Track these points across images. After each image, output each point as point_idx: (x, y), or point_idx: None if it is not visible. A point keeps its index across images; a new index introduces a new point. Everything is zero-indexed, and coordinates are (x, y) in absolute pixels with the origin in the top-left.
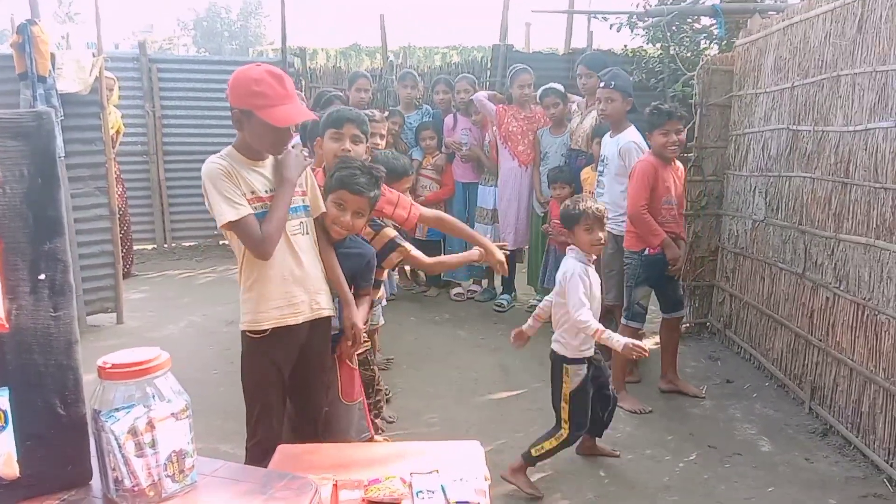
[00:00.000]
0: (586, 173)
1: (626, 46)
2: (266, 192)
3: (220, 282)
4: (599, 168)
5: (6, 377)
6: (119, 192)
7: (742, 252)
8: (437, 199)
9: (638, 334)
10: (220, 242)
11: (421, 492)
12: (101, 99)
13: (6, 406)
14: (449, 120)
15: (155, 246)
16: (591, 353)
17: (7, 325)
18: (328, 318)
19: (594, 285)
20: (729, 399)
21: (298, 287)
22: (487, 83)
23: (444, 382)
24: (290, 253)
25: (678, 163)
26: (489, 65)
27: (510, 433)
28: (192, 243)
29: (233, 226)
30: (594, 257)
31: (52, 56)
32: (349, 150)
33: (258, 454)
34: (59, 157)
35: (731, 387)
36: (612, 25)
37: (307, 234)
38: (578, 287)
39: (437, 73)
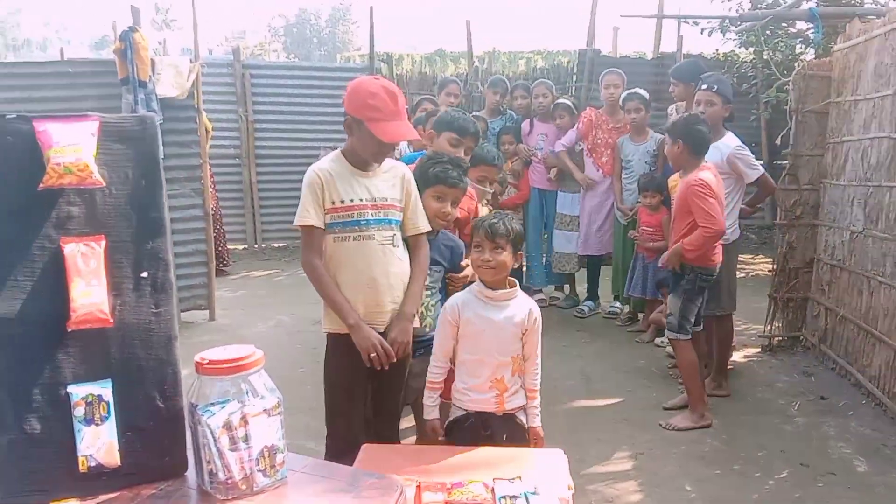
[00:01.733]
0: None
1: (717, 50)
2: (360, 200)
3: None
4: None
5: (110, 370)
6: (210, 193)
7: (839, 264)
8: (512, 204)
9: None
10: None
11: (504, 497)
12: (198, 104)
13: (109, 398)
14: (525, 125)
15: (246, 246)
16: None
17: (112, 320)
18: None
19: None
20: (823, 416)
21: (383, 296)
22: (573, 88)
23: None
24: (376, 262)
25: None
26: (574, 70)
27: (593, 442)
28: (281, 244)
29: (301, 229)
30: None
31: (152, 62)
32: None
33: (335, 451)
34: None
35: (824, 404)
36: (703, 30)
37: (397, 246)
38: None
39: (520, 79)
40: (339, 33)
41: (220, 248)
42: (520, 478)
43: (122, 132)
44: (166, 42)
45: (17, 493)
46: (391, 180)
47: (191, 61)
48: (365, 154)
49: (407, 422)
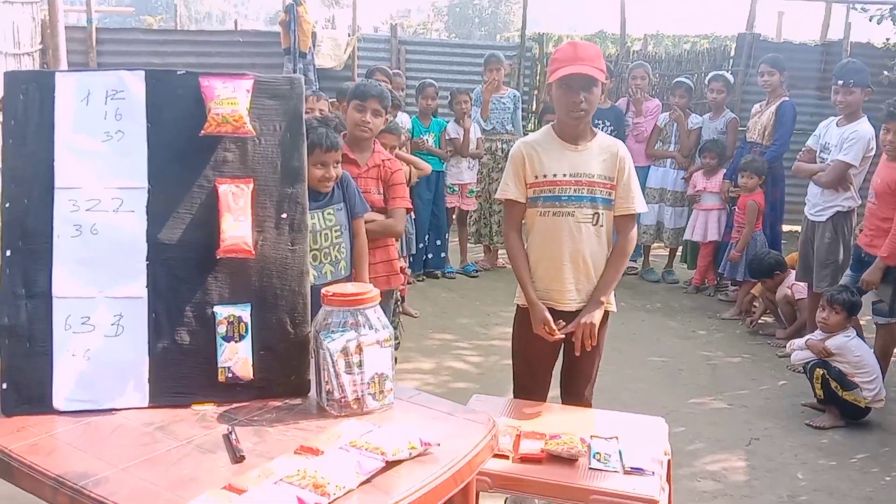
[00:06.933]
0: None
1: (888, 40)
2: (562, 175)
3: None
4: (821, 155)
5: (250, 295)
6: None
7: None
8: None
9: None
10: None
11: (598, 453)
12: (353, 75)
13: (248, 319)
14: (622, 103)
15: None
16: None
17: (254, 253)
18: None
19: None
20: None
21: (570, 275)
22: (730, 72)
23: (645, 367)
24: (569, 241)
25: None
26: (733, 54)
27: (707, 424)
28: None
29: (503, 202)
30: None
31: (314, 34)
32: (369, 122)
33: None
34: None
35: None
36: (871, 17)
37: (600, 225)
38: None
39: (672, 61)
40: (501, 13)
41: None
42: (616, 438)
43: (273, 90)
44: (335, 19)
45: (166, 393)
46: (602, 156)
47: (349, 35)
48: (560, 114)
49: None
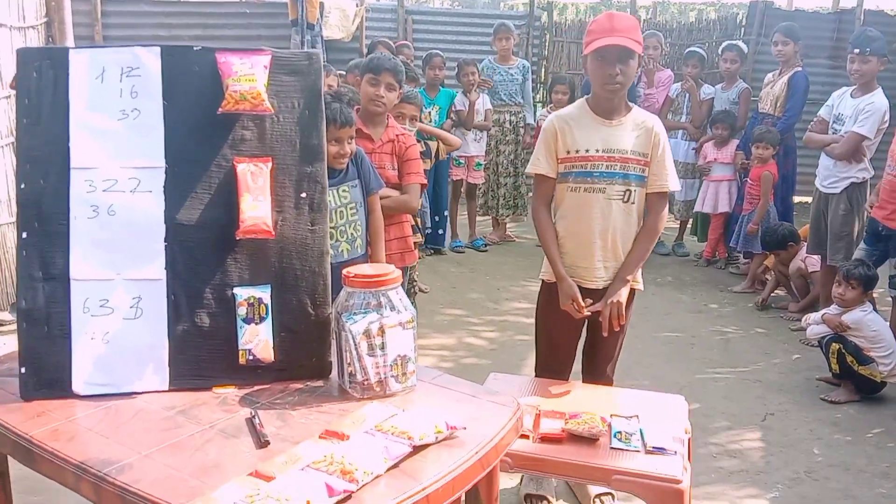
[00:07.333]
0: None
1: None
2: (595, 151)
3: None
4: (834, 126)
5: (270, 276)
6: None
7: None
8: None
9: None
10: None
11: (619, 433)
12: (361, 47)
13: (268, 301)
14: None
15: None
16: None
17: (274, 233)
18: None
19: None
20: None
21: (598, 252)
22: (742, 41)
23: (656, 342)
24: (599, 217)
25: None
26: (744, 23)
27: (721, 399)
28: None
29: (534, 176)
30: None
31: (321, 5)
32: (383, 97)
33: None
34: None
35: None
36: None
37: (632, 202)
38: None
39: (683, 30)
40: None
41: None
42: (637, 416)
43: (291, 66)
44: None
45: (186, 376)
46: (637, 132)
47: (357, 5)
48: (595, 87)
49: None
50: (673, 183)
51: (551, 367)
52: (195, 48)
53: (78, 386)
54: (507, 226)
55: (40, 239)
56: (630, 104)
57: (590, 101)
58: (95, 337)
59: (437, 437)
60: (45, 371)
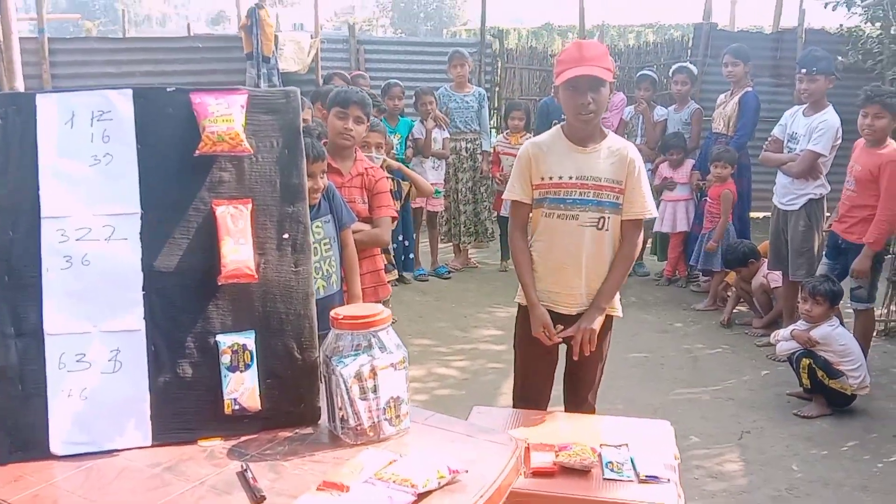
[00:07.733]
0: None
1: (841, 26)
2: (568, 178)
3: None
4: (789, 145)
5: (253, 322)
6: None
7: None
8: None
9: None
10: None
11: (610, 462)
12: (317, 78)
13: (253, 347)
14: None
15: None
16: None
17: (257, 277)
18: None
19: None
20: None
21: (573, 279)
22: (690, 62)
23: (626, 364)
24: (574, 244)
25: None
26: (690, 44)
27: (697, 419)
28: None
29: (510, 203)
30: None
31: (276, 37)
32: (352, 130)
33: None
34: None
35: None
36: (826, 4)
37: (606, 229)
38: None
39: (632, 53)
40: (447, 7)
41: None
42: (626, 445)
43: (269, 105)
44: (279, 17)
45: (170, 430)
46: (612, 159)
47: (311, 37)
48: (569, 117)
49: None
50: (649, 210)
51: (528, 394)
52: (168, 89)
53: (56, 446)
54: (469, 252)
55: (11, 293)
56: (605, 131)
57: (564, 128)
58: (73, 393)
59: (439, 483)
60: (21, 432)
